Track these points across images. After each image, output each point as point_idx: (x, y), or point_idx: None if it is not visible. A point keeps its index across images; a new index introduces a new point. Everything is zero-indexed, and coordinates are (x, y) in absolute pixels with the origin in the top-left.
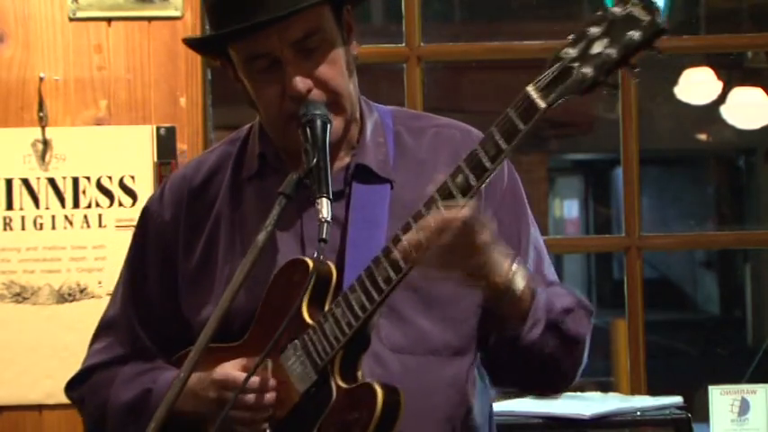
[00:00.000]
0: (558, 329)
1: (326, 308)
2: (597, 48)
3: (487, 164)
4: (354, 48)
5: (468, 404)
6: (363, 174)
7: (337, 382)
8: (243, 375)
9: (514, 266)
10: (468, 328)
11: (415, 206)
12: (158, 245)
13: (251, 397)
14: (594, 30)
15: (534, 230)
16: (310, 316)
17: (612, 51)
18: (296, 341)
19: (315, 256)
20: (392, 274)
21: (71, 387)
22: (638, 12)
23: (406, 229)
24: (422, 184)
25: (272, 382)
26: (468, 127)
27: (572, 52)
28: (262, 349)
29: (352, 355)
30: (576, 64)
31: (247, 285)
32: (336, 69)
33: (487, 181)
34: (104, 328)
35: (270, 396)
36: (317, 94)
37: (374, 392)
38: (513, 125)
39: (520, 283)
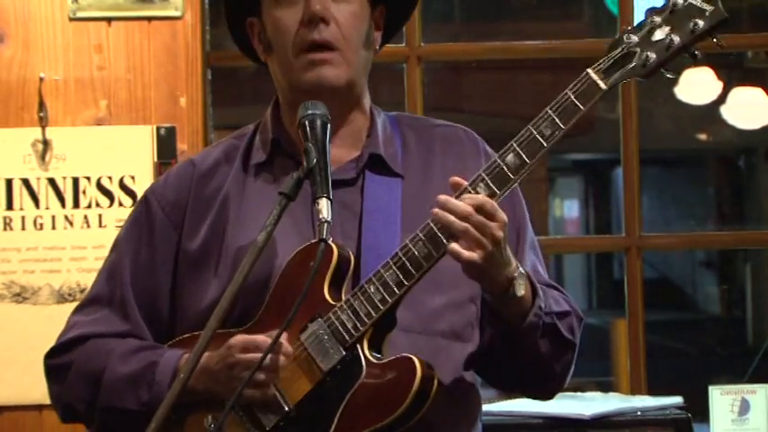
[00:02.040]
0: (554, 332)
1: (344, 292)
2: (659, 35)
3: (543, 142)
4: (376, 37)
5: (473, 389)
6: (376, 164)
7: (368, 358)
8: (263, 338)
9: (518, 271)
10: (468, 315)
11: (426, 202)
12: (161, 225)
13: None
14: (656, 18)
15: (531, 231)
16: (331, 298)
17: (676, 38)
18: (319, 320)
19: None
20: (433, 251)
21: (55, 353)
22: (699, 2)
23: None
24: (427, 177)
25: (286, 345)
26: (470, 130)
27: (634, 38)
28: (274, 330)
29: (380, 334)
30: (638, 49)
31: (253, 271)
32: (354, 21)
33: (539, 159)
34: (94, 303)
35: (281, 359)
36: (330, 31)
37: (412, 364)
38: (571, 106)
39: (520, 288)
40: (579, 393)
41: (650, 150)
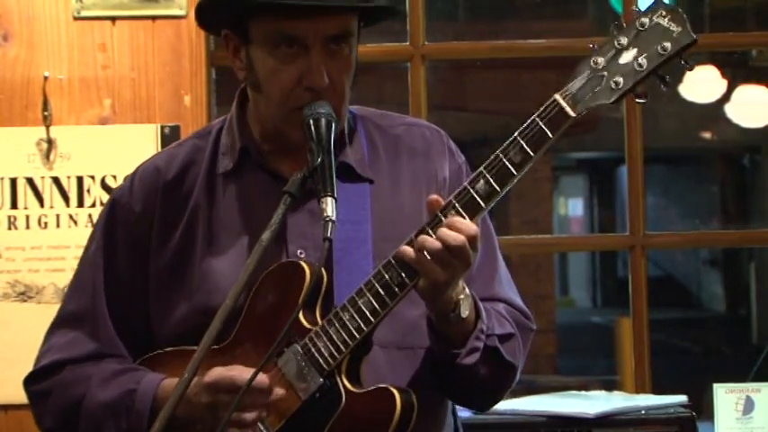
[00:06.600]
0: (495, 355)
1: (317, 311)
2: (626, 57)
3: (513, 171)
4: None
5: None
6: (345, 172)
7: (346, 387)
8: (239, 376)
9: (464, 293)
10: None
11: (396, 209)
12: (129, 237)
13: (244, 398)
14: (622, 39)
15: (489, 235)
16: (306, 320)
17: (644, 61)
18: (295, 345)
19: (302, 254)
20: (406, 279)
21: (34, 379)
22: (666, 23)
23: (419, 233)
24: (396, 182)
25: (264, 379)
26: (434, 126)
27: (600, 61)
28: (251, 352)
29: (357, 358)
30: (605, 73)
31: (227, 285)
32: (347, 77)
33: (510, 187)
34: (68, 321)
35: (266, 398)
36: (328, 96)
37: (392, 396)
38: (540, 133)
39: (465, 310)
40: (584, 392)
41: (655, 149)
